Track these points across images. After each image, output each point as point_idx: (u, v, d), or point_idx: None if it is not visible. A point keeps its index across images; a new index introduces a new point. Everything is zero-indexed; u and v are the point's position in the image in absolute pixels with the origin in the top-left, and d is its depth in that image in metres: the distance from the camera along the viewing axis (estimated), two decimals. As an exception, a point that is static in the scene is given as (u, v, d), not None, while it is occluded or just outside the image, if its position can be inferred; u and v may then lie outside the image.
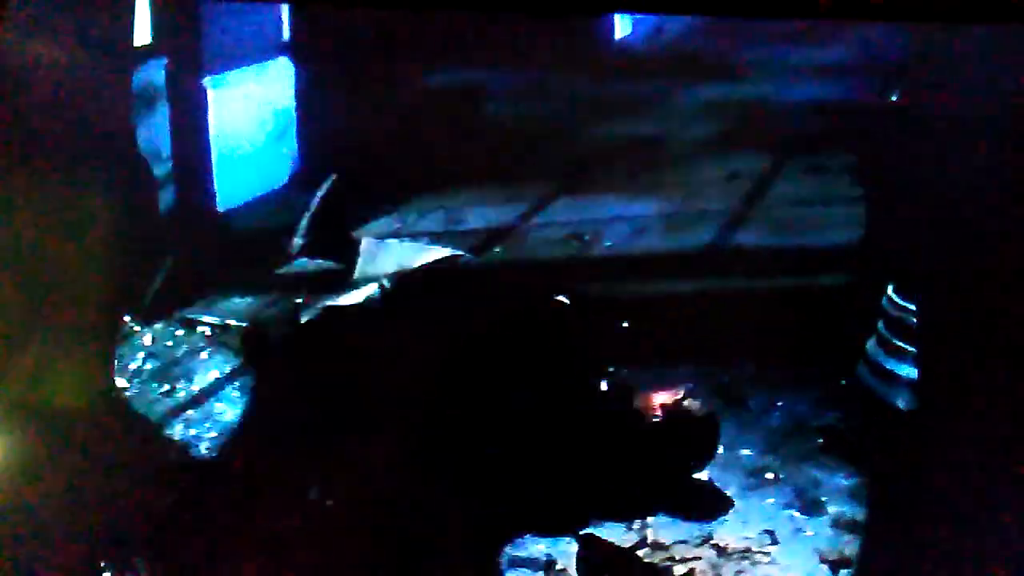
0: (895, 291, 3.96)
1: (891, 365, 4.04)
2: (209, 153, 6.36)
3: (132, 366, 4.88)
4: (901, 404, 3.97)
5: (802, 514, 3.75)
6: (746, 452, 4.13)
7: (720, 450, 4.05)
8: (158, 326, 5.24)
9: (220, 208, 6.39)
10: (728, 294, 5.42)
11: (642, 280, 5.67)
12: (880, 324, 4.16)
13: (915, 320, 3.75)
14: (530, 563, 3.48)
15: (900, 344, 3.96)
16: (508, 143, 6.94)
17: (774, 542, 3.59)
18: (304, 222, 5.82)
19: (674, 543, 3.54)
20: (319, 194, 5.89)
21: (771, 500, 3.83)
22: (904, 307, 3.87)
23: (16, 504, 3.58)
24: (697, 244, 5.97)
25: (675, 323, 5.01)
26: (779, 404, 4.48)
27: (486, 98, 7.80)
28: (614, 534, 3.50)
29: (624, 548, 3.48)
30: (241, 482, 3.96)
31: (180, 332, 5.20)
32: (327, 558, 3.41)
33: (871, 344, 4.25)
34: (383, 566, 3.42)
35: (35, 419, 3.96)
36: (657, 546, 3.51)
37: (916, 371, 3.76)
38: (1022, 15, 2.18)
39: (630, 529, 3.55)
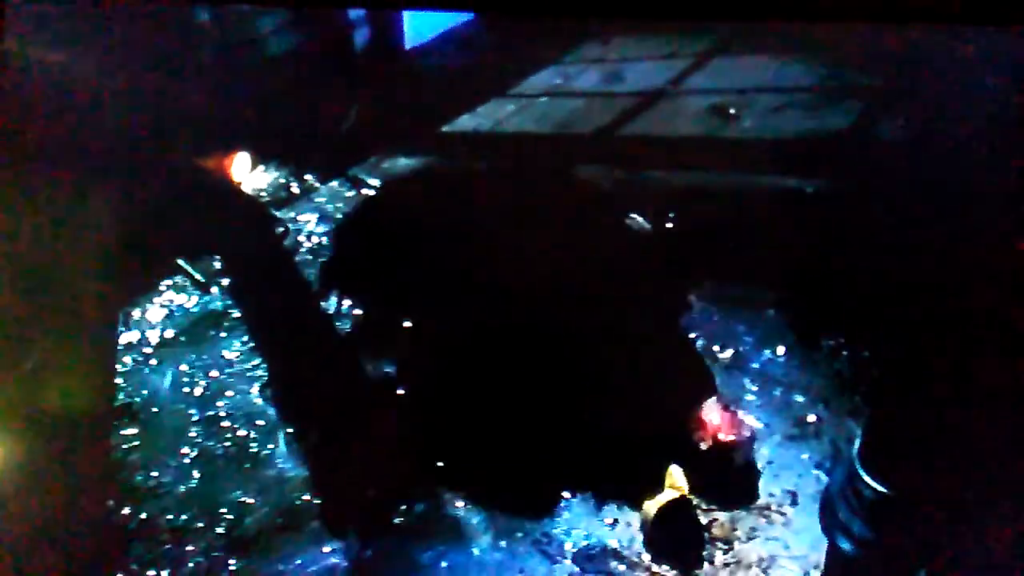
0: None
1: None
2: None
3: (306, 221, 5.71)
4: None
5: (827, 476, 3.95)
6: (799, 399, 4.28)
7: (778, 392, 4.26)
8: (333, 183, 5.99)
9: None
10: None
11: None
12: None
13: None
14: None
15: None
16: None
17: (793, 503, 3.90)
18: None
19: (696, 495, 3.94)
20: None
21: (806, 456, 4.06)
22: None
23: (17, 506, 3.82)
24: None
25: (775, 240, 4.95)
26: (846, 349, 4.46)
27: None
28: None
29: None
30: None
31: (349, 193, 5.92)
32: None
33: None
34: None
35: (36, 422, 4.14)
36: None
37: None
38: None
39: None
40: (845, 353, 4.40)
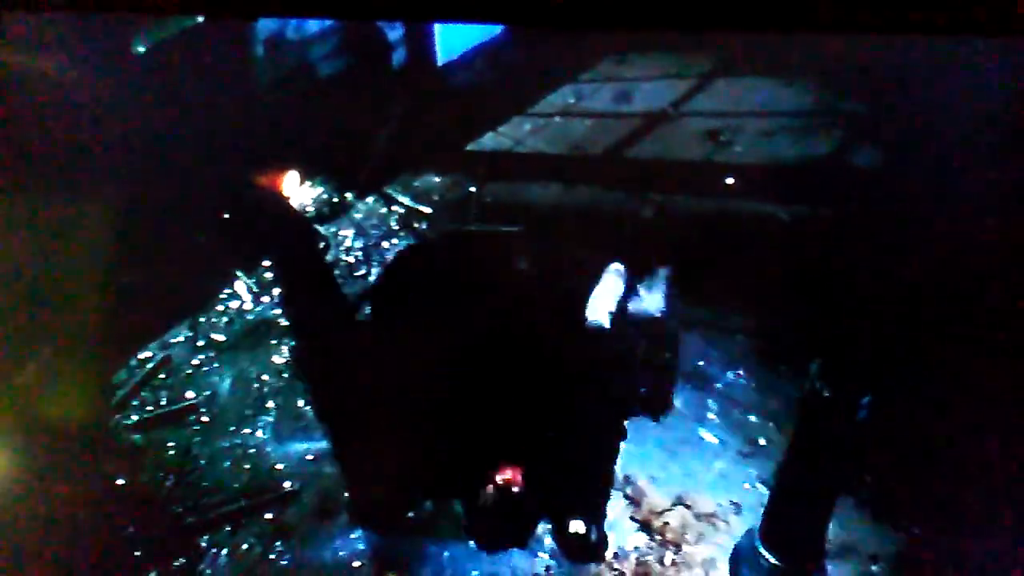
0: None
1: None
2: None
3: (344, 236, 6.49)
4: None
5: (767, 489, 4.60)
6: (753, 419, 4.92)
7: (736, 412, 4.92)
8: (370, 200, 6.74)
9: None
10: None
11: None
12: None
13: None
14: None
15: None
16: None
17: (737, 512, 4.59)
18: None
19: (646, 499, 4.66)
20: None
21: (753, 472, 4.73)
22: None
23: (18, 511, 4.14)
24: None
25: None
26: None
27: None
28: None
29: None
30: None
31: (383, 210, 6.66)
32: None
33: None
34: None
35: (37, 429, 4.45)
36: (633, 501, 4.68)
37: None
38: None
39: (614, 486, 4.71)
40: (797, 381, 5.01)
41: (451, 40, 7.42)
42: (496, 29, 7.67)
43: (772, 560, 3.71)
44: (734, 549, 4.21)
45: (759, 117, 6.48)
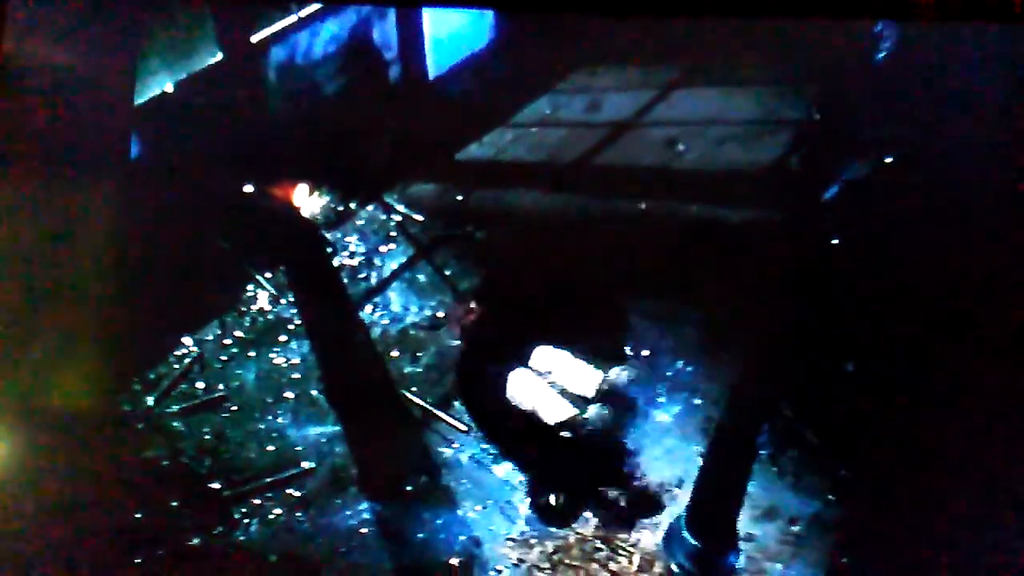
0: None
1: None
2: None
3: (349, 242, 7.35)
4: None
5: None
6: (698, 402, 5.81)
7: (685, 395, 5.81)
8: (370, 208, 7.59)
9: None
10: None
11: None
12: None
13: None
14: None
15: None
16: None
17: (679, 485, 5.49)
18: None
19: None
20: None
21: (697, 448, 5.61)
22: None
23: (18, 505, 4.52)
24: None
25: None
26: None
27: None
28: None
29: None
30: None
31: (382, 216, 7.50)
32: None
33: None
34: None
35: (37, 420, 4.74)
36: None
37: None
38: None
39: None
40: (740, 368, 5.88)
41: (440, 56, 8.18)
42: (481, 43, 8.42)
43: (693, 542, 4.58)
44: (668, 529, 5.09)
45: (714, 125, 7.26)
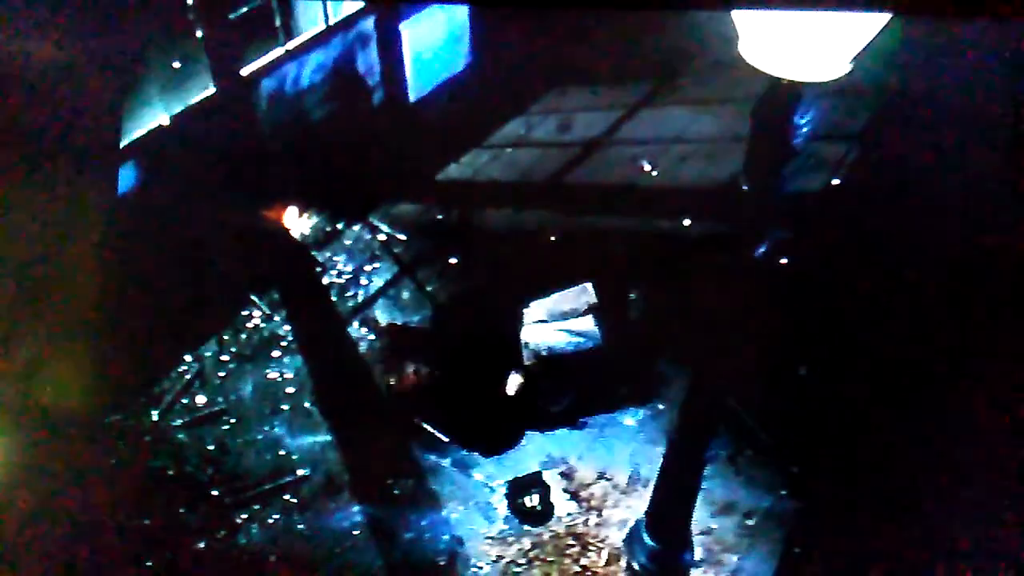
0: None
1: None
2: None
3: (337, 261, 7.84)
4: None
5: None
6: (660, 406, 6.33)
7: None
8: (356, 227, 8.06)
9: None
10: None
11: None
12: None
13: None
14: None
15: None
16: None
17: (644, 485, 6.00)
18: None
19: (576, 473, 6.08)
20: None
21: (659, 449, 6.12)
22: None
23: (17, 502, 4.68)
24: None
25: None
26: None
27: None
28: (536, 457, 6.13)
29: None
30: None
31: (368, 236, 7.98)
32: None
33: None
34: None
35: (30, 417, 4.85)
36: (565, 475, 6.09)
37: None
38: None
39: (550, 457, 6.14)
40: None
41: (420, 80, 8.66)
42: (459, 65, 8.90)
43: (650, 543, 5.07)
44: (630, 530, 5.58)
45: (677, 143, 7.80)
